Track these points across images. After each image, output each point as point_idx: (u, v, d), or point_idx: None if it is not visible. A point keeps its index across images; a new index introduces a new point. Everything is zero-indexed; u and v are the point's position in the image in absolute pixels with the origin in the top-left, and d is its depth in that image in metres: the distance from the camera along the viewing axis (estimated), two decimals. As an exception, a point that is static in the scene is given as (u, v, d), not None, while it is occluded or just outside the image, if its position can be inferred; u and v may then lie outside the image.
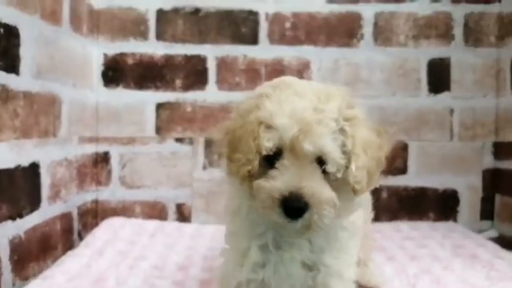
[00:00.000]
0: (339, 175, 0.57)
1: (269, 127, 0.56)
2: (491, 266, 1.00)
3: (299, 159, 0.56)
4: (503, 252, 1.11)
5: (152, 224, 1.32)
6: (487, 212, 1.44)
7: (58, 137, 1.13)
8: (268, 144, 0.56)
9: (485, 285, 0.90)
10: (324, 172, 0.57)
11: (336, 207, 0.57)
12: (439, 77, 1.43)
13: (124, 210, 1.40)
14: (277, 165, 0.56)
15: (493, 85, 1.43)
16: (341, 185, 0.58)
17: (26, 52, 0.96)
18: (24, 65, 0.95)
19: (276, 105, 0.57)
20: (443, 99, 1.43)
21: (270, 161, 0.57)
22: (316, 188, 0.55)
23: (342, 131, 0.57)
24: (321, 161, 0.57)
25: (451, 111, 1.43)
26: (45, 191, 1.05)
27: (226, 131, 0.61)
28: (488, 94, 1.43)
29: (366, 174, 0.58)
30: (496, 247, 1.15)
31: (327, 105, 0.57)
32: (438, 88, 1.43)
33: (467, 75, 1.43)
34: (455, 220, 1.43)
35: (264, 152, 0.56)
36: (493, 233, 1.39)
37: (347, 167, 0.57)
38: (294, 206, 0.54)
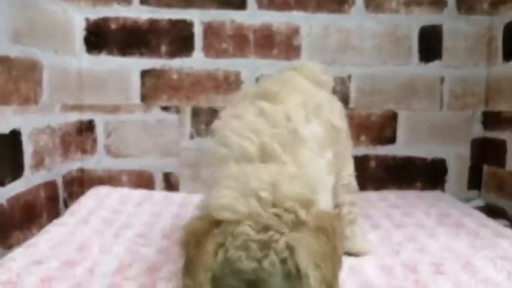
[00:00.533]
0: None
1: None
2: (476, 234, 1.01)
3: None
4: (489, 221, 1.12)
5: (139, 193, 1.31)
6: (474, 182, 1.45)
7: (40, 104, 1.10)
8: None
9: (469, 253, 0.90)
10: None
11: None
12: (430, 45, 1.41)
13: (110, 179, 1.39)
14: None
15: (484, 54, 1.41)
16: None
17: (2, 15, 0.92)
18: (1, 28, 0.91)
19: (221, 266, 0.55)
20: (434, 67, 1.41)
21: None
22: None
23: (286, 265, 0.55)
24: None
25: (442, 79, 1.41)
26: (27, 159, 1.03)
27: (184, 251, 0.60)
28: (480, 63, 1.41)
29: (325, 285, 0.56)
30: (481, 216, 1.16)
31: (265, 259, 0.54)
32: (429, 56, 1.41)
33: (459, 44, 1.41)
34: (442, 189, 1.44)
35: None
36: (480, 202, 1.41)
37: None
38: None
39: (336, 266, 0.59)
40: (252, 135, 0.66)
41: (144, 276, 0.78)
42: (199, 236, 0.57)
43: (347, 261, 0.85)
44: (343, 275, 0.80)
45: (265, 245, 0.54)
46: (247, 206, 0.55)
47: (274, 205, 0.55)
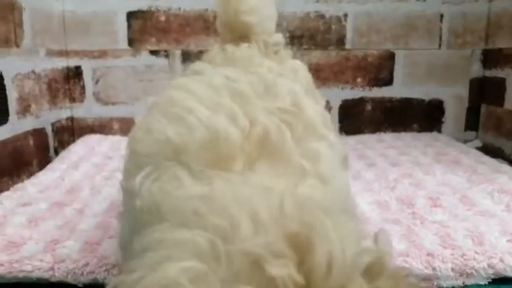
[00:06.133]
0: None
1: None
2: (473, 170, 0.99)
3: None
4: (486, 158, 1.10)
5: (130, 140, 1.29)
6: (472, 122, 1.43)
7: (22, 48, 1.06)
8: None
9: (466, 187, 0.89)
10: None
11: None
12: (429, -21, 1.34)
13: (101, 128, 1.36)
14: None
15: (486, -12, 1.35)
16: None
17: None
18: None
19: None
20: (433, 3, 1.35)
21: None
22: None
23: None
24: None
25: (441, 16, 1.36)
26: (12, 105, 1.00)
27: None
28: (481, -2, 1.35)
29: None
30: (478, 154, 1.14)
31: None
32: (428, -8, 1.35)
33: (459, -22, 1.35)
34: (439, 131, 1.42)
35: None
36: (478, 143, 1.39)
37: None
38: None
39: None
40: (236, 107, 0.41)
41: (135, 215, 0.77)
42: None
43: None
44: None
45: None
46: None
47: None
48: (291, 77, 0.54)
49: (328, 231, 0.27)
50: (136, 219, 0.36)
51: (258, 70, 0.50)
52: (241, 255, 0.26)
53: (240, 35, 0.63)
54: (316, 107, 0.48)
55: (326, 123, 0.46)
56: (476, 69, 1.39)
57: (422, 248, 0.64)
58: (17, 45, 1.04)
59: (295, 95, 0.45)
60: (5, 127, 0.97)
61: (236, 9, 0.63)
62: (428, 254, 0.62)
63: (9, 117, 0.99)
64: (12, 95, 1.00)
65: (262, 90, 0.44)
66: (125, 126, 1.37)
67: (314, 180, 0.36)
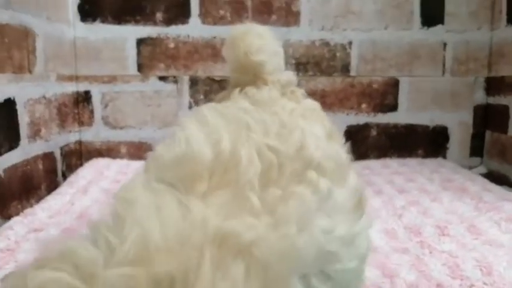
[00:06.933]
0: None
1: None
2: (479, 198, 1.00)
3: None
4: (492, 185, 1.11)
5: (138, 164, 1.30)
6: (476, 149, 1.44)
7: (34, 74, 1.08)
8: None
9: (473, 215, 0.89)
10: None
11: None
12: (432, 9, 1.37)
13: (109, 151, 1.37)
14: None
15: (487, 17, 1.38)
16: None
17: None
18: (-10, -8, 0.89)
19: None
20: (436, 32, 1.38)
21: None
22: None
23: None
24: None
25: (444, 45, 1.38)
26: (23, 129, 1.02)
27: None
28: (483, 27, 1.38)
29: None
30: (484, 181, 1.15)
31: None
32: (431, 21, 1.37)
33: (461, 7, 1.37)
34: (444, 157, 1.43)
35: None
36: (482, 169, 1.40)
37: None
38: None
39: None
40: (225, 134, 0.40)
41: (145, 241, 0.77)
42: None
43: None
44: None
45: None
46: None
47: None
48: (313, 117, 0.53)
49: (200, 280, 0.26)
50: None
51: (279, 111, 0.49)
52: (102, 283, 0.26)
53: (253, 75, 0.64)
54: (333, 152, 0.45)
55: (340, 168, 0.43)
56: (480, 96, 1.41)
57: (431, 279, 0.64)
58: (30, 71, 1.06)
59: (304, 137, 0.42)
60: (15, 151, 0.98)
61: (246, 51, 0.65)
62: (438, 285, 0.63)
63: (20, 142, 1.00)
64: (23, 119, 1.02)
65: (275, 129, 0.43)
66: (133, 150, 1.39)
67: (257, 220, 0.32)
